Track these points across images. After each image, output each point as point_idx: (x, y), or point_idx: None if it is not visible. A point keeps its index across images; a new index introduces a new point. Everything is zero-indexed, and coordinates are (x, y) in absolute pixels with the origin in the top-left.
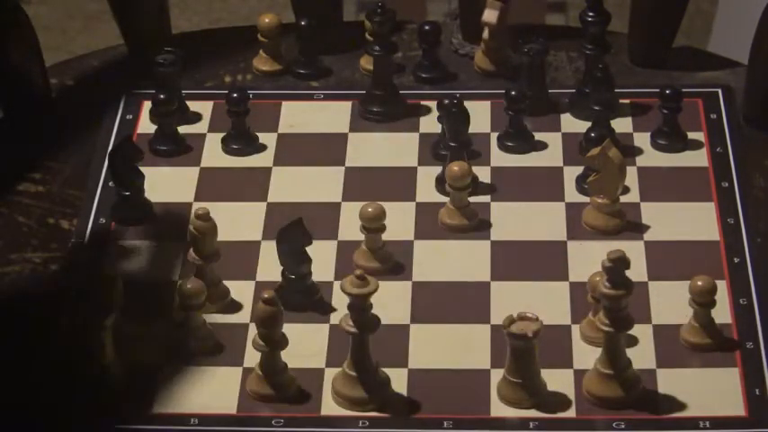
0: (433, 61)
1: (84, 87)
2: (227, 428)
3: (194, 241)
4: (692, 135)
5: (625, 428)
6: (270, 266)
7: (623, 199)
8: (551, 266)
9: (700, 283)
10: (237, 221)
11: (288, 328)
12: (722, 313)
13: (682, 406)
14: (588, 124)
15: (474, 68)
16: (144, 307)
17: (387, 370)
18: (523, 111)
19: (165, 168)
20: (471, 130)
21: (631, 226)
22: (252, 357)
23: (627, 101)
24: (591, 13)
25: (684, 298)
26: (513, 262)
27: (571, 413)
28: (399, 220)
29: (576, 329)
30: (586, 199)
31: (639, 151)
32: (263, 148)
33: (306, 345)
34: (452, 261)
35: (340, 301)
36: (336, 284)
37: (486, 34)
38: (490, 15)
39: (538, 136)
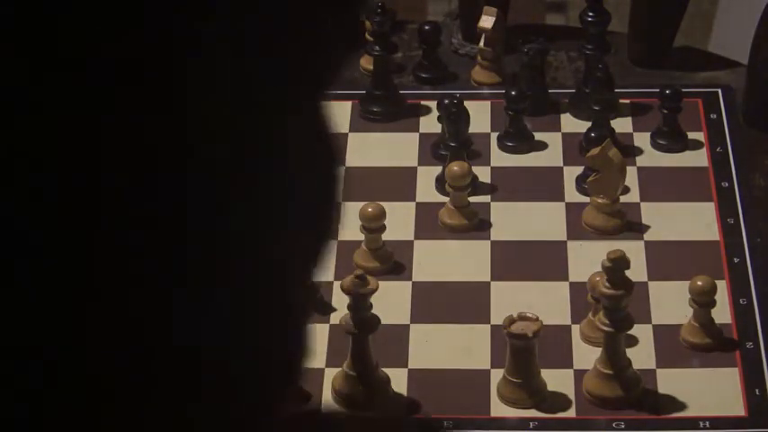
0: (433, 61)
1: None
2: None
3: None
4: (692, 135)
5: (625, 428)
6: None
7: (623, 199)
8: (551, 266)
9: (700, 283)
10: None
11: None
12: (722, 313)
13: (682, 406)
14: (588, 124)
15: (471, 82)
16: None
17: (387, 370)
18: (523, 111)
19: None
20: (471, 130)
21: (631, 226)
22: None
23: (627, 101)
24: (591, 13)
25: (684, 298)
26: (513, 262)
27: (571, 413)
28: (399, 220)
29: (575, 329)
30: (586, 199)
31: (639, 151)
32: None
33: None
34: (452, 261)
35: (340, 300)
36: (336, 284)
37: (482, 42)
38: (486, 21)
39: (538, 136)
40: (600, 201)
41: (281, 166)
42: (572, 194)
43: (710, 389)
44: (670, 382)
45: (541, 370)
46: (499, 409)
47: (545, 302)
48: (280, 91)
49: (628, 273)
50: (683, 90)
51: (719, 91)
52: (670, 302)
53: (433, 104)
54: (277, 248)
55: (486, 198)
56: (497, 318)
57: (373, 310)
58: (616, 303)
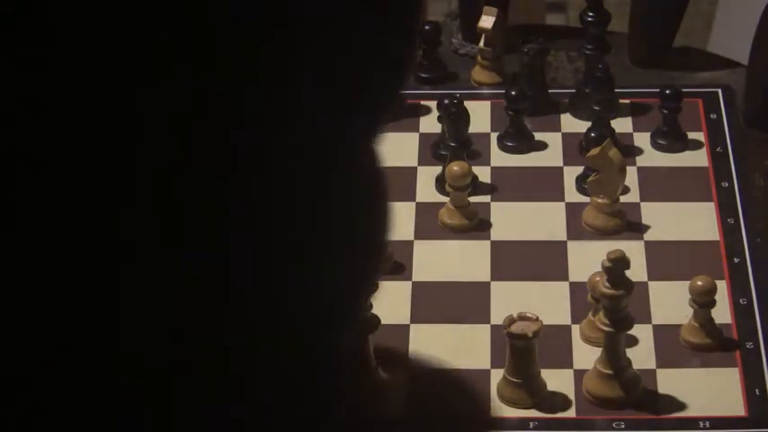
0: (433, 61)
1: None
2: None
3: None
4: (691, 135)
5: (625, 428)
6: None
7: (623, 199)
8: (551, 266)
9: (700, 283)
10: None
11: None
12: (722, 313)
13: (682, 406)
14: (588, 124)
15: (471, 82)
16: None
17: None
18: (523, 111)
19: None
20: (471, 130)
21: (631, 226)
22: None
23: (627, 101)
24: (591, 13)
25: (684, 298)
26: (513, 262)
27: (571, 413)
28: (399, 220)
29: (576, 329)
30: (586, 199)
31: (639, 151)
32: None
33: None
34: (452, 261)
35: None
36: None
37: (482, 42)
38: (486, 21)
39: (538, 136)
40: (600, 201)
41: (339, 197)
42: (572, 194)
43: (710, 389)
44: (670, 382)
45: (541, 370)
46: (499, 409)
47: (545, 302)
48: (338, 122)
49: (628, 273)
50: (683, 90)
51: (719, 91)
52: (670, 302)
53: (433, 104)
54: (327, 275)
55: (486, 198)
56: (497, 318)
57: (373, 310)
58: (616, 303)
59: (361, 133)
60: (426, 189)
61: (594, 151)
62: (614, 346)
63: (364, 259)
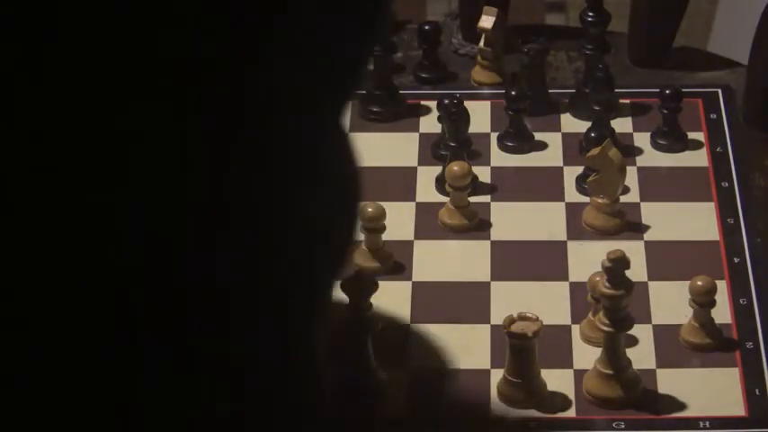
0: (433, 61)
1: None
2: None
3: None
4: (692, 135)
5: (625, 428)
6: None
7: (623, 199)
8: (551, 266)
9: (700, 283)
10: None
11: None
12: (722, 313)
13: (682, 406)
14: (588, 124)
15: (471, 82)
16: None
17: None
18: (523, 111)
19: None
20: (471, 130)
21: (631, 226)
22: None
23: (627, 101)
24: (591, 13)
25: (684, 298)
26: (513, 262)
27: (571, 413)
28: (399, 220)
29: (576, 329)
30: (586, 199)
31: (639, 151)
32: None
33: None
34: (452, 261)
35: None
36: (337, 284)
37: (482, 42)
38: (486, 21)
39: (538, 136)
40: (600, 201)
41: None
42: (572, 194)
43: (710, 389)
44: (670, 382)
45: (541, 370)
46: (499, 409)
47: (545, 302)
48: (315, 95)
49: (628, 273)
50: (683, 90)
51: (719, 91)
52: (670, 302)
53: (433, 104)
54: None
55: (486, 198)
56: (497, 318)
57: (373, 310)
58: (616, 303)
59: (336, 131)
60: (426, 189)
61: (594, 151)
62: (614, 346)
63: (333, 258)
